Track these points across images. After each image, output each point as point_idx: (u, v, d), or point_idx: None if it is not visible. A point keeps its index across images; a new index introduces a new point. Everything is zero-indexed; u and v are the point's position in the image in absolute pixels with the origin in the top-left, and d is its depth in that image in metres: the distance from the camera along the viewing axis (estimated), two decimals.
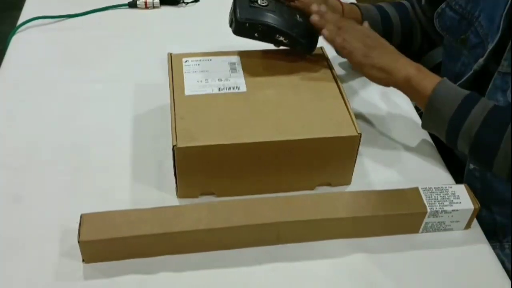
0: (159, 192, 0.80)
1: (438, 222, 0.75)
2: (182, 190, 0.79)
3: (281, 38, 0.84)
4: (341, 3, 1.00)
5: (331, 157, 0.79)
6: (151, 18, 1.19)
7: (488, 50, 0.84)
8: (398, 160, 0.88)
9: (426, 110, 0.81)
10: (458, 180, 0.85)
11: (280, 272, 0.72)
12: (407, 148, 0.90)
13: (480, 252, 0.76)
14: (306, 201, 0.75)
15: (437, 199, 0.75)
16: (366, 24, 0.90)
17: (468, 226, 0.77)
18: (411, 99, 0.84)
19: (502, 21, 0.81)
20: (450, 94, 0.79)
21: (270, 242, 0.74)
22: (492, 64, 0.84)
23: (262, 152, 0.76)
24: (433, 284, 0.72)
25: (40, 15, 1.14)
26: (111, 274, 0.70)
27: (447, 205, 0.74)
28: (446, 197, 0.76)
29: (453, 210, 0.74)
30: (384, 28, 1.04)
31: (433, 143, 0.92)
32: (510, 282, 0.72)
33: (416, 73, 0.81)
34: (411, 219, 0.76)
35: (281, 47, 0.87)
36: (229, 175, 0.78)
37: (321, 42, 0.95)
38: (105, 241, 0.69)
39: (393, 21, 1.05)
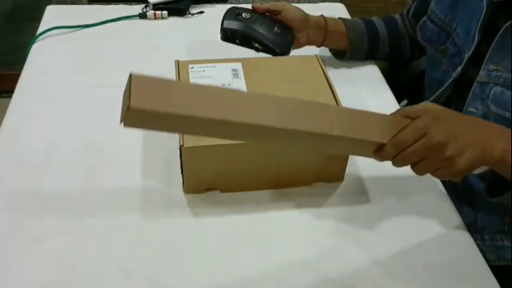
0: (167, 188, 0.79)
1: None
2: (189, 186, 0.78)
3: (257, 45, 0.92)
4: (324, 18, 0.98)
5: (325, 156, 0.78)
6: (159, 28, 1.18)
7: (465, 59, 0.83)
8: None
9: None
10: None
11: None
12: None
13: (463, 244, 0.75)
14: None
15: None
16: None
17: None
18: (506, 176, 0.65)
19: (477, 32, 0.80)
20: None
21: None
22: (470, 72, 0.83)
23: (261, 151, 0.75)
24: (420, 273, 0.71)
25: (58, 25, 1.13)
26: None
27: None
28: None
29: None
30: (370, 41, 1.03)
31: None
32: (490, 271, 0.72)
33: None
34: None
35: (260, 53, 0.94)
36: (231, 173, 0.77)
37: (316, 50, 0.94)
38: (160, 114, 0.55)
39: (380, 34, 1.04)
